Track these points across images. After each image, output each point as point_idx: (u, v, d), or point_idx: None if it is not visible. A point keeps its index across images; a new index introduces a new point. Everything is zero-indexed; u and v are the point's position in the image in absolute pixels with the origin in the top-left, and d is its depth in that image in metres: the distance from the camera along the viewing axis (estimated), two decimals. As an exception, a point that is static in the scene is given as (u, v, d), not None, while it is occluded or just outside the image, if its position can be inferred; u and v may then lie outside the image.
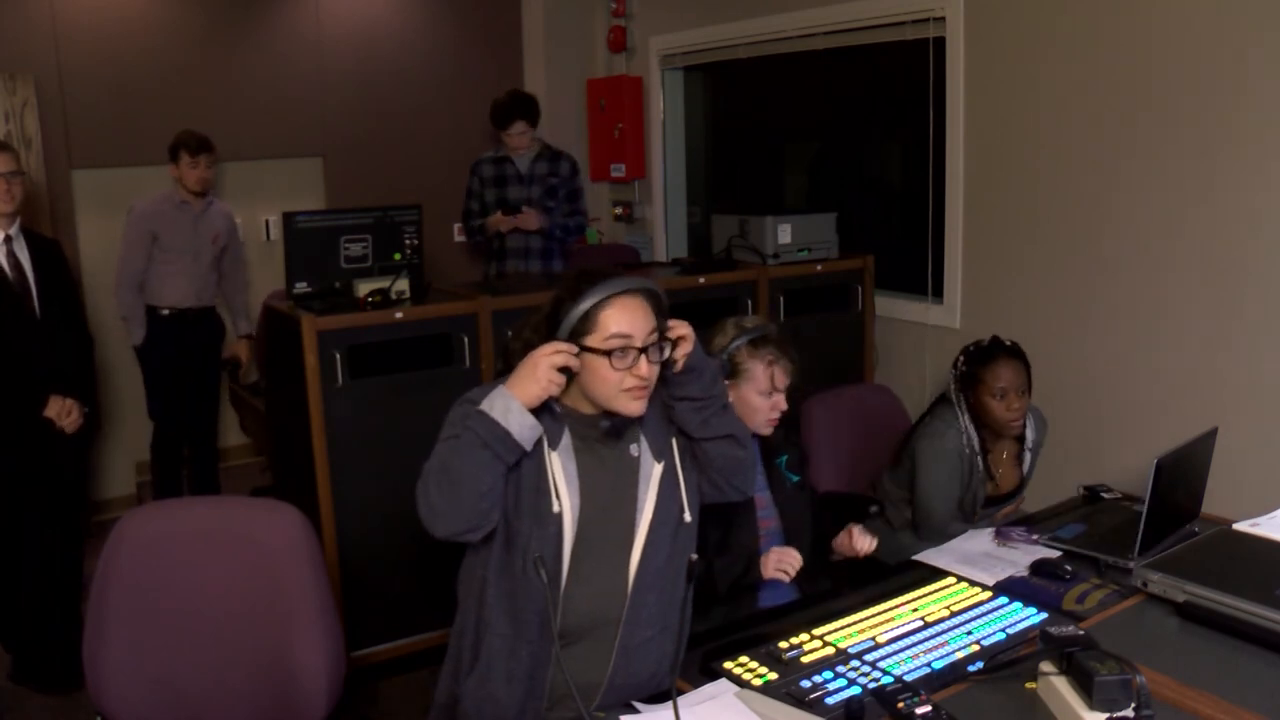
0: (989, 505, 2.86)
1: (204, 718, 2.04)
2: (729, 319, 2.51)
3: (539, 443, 1.85)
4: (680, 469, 1.97)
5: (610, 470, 1.92)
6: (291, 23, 5.25)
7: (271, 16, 5.20)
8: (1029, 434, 2.88)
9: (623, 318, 1.83)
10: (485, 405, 1.78)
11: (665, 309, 1.90)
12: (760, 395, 2.39)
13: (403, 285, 3.35)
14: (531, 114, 4.59)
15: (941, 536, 2.72)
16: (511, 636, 1.87)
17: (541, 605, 1.83)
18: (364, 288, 3.29)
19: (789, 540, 2.49)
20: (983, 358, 2.78)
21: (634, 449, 1.95)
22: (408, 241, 3.46)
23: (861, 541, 2.40)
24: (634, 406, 1.87)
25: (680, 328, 1.87)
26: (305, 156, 5.38)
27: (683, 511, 1.96)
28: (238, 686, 2.02)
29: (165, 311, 4.42)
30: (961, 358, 2.84)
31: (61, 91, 4.69)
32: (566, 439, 1.89)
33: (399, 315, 3.25)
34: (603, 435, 1.91)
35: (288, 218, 3.33)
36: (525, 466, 1.85)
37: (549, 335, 1.87)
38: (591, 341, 1.83)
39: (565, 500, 1.86)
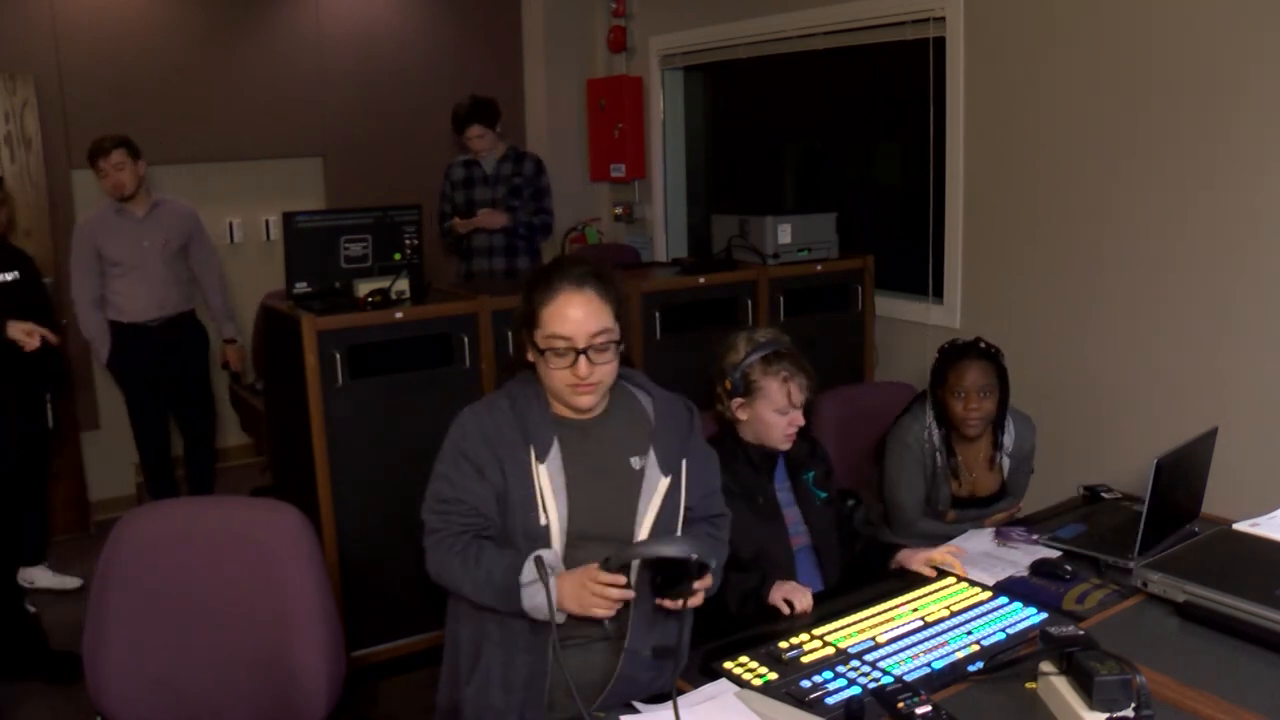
0: (965, 506, 2.85)
1: (204, 718, 2.04)
2: (740, 333, 2.48)
3: (526, 455, 1.85)
4: (685, 489, 1.95)
5: (605, 479, 1.91)
6: (291, 23, 5.25)
7: (271, 16, 5.20)
8: (1007, 439, 2.86)
9: (563, 317, 1.83)
10: (526, 594, 1.76)
11: (621, 298, 1.88)
12: (776, 413, 2.36)
13: (403, 285, 3.35)
14: (487, 117, 4.67)
15: (909, 531, 2.77)
16: (509, 645, 1.87)
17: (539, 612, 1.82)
18: (364, 288, 3.29)
19: (820, 556, 2.47)
20: (950, 356, 2.82)
21: (635, 461, 1.92)
22: (408, 241, 3.46)
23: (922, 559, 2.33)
24: (581, 401, 1.86)
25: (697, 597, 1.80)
26: (305, 156, 5.38)
27: (676, 521, 1.94)
28: (238, 686, 2.02)
29: (127, 325, 4.25)
30: (937, 355, 2.87)
31: (61, 91, 4.68)
32: (555, 450, 1.88)
33: (399, 315, 3.24)
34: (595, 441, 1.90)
35: (288, 218, 3.33)
36: (511, 483, 1.84)
37: (519, 330, 1.91)
38: (537, 337, 1.85)
39: (553, 511, 1.84)
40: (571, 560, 1.86)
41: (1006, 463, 2.88)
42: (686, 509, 1.97)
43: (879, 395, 3.41)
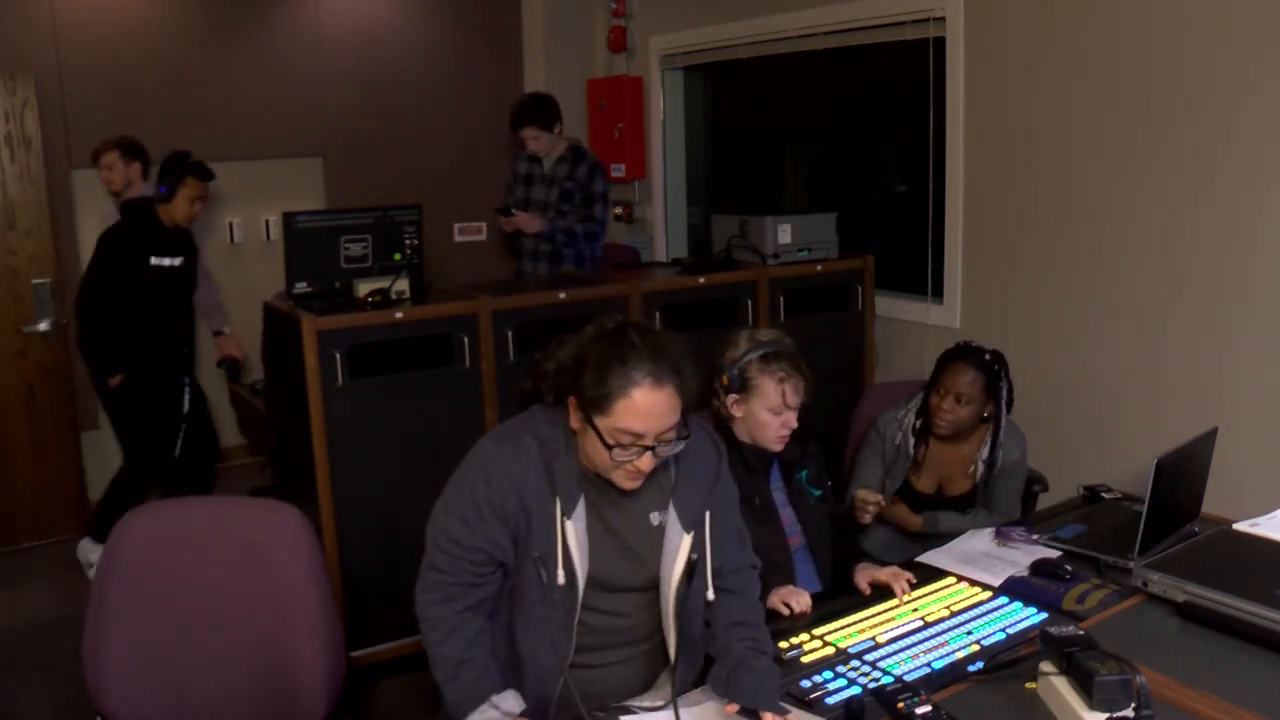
0: (934, 505, 2.84)
1: (204, 718, 2.04)
2: (743, 330, 2.50)
3: (552, 507, 1.76)
4: (709, 543, 1.85)
5: (624, 537, 1.84)
6: (291, 23, 5.25)
7: (271, 16, 5.20)
8: (986, 449, 2.83)
9: (639, 414, 1.68)
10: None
11: (692, 390, 1.76)
12: (770, 413, 2.37)
13: (403, 285, 3.35)
14: (540, 118, 4.53)
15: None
16: (519, 671, 1.85)
17: (550, 643, 1.78)
18: (364, 288, 3.29)
19: (816, 555, 2.48)
20: (949, 354, 2.87)
21: (654, 517, 1.84)
22: (408, 241, 3.46)
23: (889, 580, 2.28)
24: (627, 485, 1.77)
25: None
26: (305, 156, 5.38)
27: (707, 589, 1.86)
28: (238, 686, 2.02)
29: None
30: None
31: (61, 91, 4.68)
32: (582, 506, 1.79)
33: (399, 315, 3.24)
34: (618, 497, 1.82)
35: (288, 218, 3.33)
36: (535, 533, 1.77)
37: (570, 386, 1.76)
38: (599, 422, 1.70)
39: (579, 569, 1.77)
40: (590, 614, 1.82)
41: (981, 469, 2.85)
42: (715, 571, 1.86)
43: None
